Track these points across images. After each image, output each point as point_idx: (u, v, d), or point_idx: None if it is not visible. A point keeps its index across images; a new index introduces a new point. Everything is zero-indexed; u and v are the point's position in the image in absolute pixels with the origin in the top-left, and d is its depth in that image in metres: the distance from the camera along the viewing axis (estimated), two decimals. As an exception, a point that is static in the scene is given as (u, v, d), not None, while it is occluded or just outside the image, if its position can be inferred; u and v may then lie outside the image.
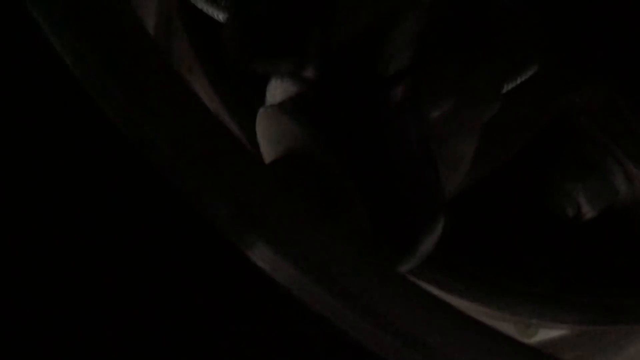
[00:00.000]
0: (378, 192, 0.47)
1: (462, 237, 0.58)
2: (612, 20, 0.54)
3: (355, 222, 0.47)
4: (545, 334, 0.67)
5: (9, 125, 0.37)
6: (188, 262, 0.38)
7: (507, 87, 0.51)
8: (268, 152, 0.51)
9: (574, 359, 0.67)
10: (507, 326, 0.66)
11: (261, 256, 0.35)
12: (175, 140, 0.36)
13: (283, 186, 0.39)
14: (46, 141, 0.37)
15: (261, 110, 0.50)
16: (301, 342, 0.36)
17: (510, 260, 0.59)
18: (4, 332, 0.36)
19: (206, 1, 0.47)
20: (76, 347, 0.36)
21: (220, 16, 0.46)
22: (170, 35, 0.64)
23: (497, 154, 0.53)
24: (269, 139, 0.51)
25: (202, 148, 0.37)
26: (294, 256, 0.35)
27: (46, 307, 0.36)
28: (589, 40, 0.54)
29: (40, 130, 0.37)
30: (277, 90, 0.50)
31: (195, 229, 0.37)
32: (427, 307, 0.36)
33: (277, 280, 0.35)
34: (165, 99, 0.37)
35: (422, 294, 0.37)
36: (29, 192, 0.37)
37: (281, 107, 0.49)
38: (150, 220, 0.38)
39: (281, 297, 0.35)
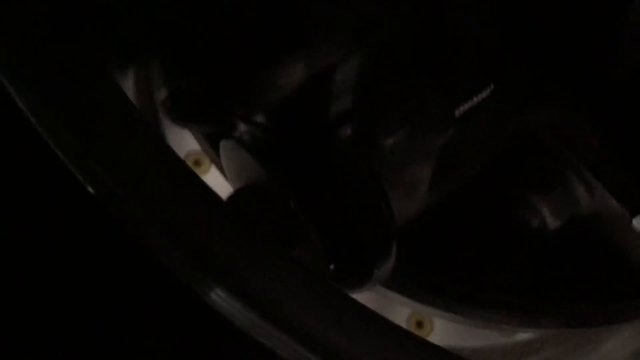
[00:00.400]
0: (332, 225, 0.48)
1: (431, 252, 0.59)
2: (569, 37, 0.54)
3: (311, 254, 0.48)
4: (523, 334, 0.69)
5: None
6: (142, 304, 0.40)
7: (462, 110, 0.52)
8: (232, 183, 0.53)
9: (552, 356, 0.69)
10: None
11: (217, 299, 0.36)
12: (128, 182, 0.37)
13: (239, 225, 0.39)
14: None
15: (222, 143, 0.52)
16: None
17: (479, 271, 0.60)
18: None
19: None
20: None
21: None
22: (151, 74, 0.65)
23: (455, 175, 0.54)
24: (231, 170, 0.52)
25: (155, 189, 0.37)
26: (249, 299, 0.36)
27: None
28: (547, 57, 0.54)
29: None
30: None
31: (149, 271, 0.38)
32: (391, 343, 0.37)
33: (234, 323, 0.36)
34: (119, 137, 0.38)
35: (386, 327, 0.37)
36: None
37: (239, 141, 0.50)
38: (103, 263, 0.39)
39: (239, 338, 0.37)
